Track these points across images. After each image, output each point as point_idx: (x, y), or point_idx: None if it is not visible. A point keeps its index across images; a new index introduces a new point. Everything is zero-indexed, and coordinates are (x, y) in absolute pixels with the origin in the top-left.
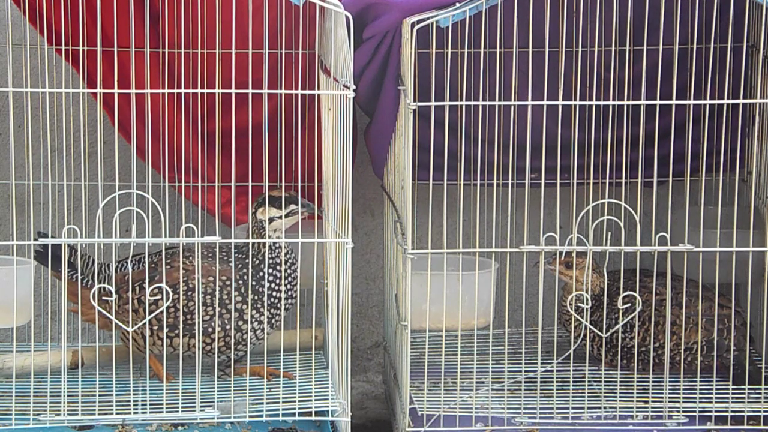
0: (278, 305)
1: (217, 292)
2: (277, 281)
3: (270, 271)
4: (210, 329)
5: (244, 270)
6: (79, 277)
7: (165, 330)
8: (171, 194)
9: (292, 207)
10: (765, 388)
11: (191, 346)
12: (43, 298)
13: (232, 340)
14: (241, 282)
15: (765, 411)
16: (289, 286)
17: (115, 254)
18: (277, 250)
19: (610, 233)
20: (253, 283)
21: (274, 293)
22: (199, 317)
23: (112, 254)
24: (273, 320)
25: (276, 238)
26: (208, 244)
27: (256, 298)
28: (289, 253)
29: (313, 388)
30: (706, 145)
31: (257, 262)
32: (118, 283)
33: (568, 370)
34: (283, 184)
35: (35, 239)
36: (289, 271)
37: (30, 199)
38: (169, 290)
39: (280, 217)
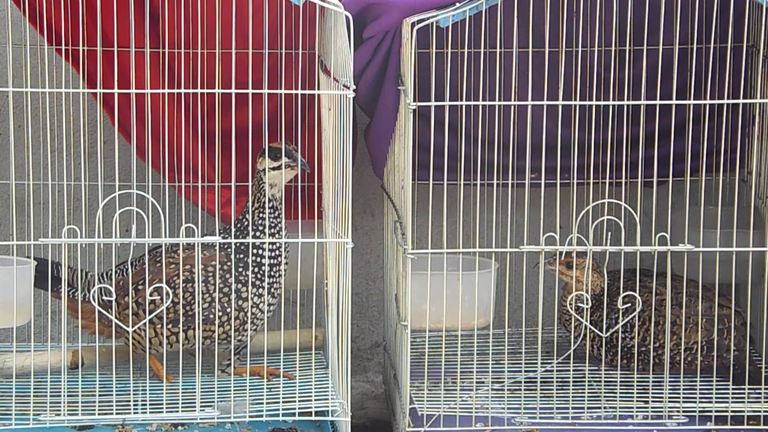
0: (272, 273)
1: (213, 277)
2: (275, 249)
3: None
4: (212, 316)
5: (243, 247)
6: (79, 293)
7: (168, 326)
8: (171, 194)
9: (285, 160)
10: (765, 388)
11: (196, 337)
12: (43, 298)
13: (232, 321)
14: (239, 260)
15: (765, 411)
16: (281, 251)
17: (116, 254)
18: (276, 212)
19: (610, 233)
20: (254, 267)
21: (273, 261)
22: (198, 306)
23: (112, 254)
24: (272, 289)
25: (273, 192)
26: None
27: (254, 276)
28: (279, 212)
29: (313, 388)
30: (706, 145)
31: (258, 218)
32: (115, 289)
33: (568, 370)
34: (283, 136)
35: (34, 256)
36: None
37: (30, 199)
38: (167, 287)
39: (273, 169)
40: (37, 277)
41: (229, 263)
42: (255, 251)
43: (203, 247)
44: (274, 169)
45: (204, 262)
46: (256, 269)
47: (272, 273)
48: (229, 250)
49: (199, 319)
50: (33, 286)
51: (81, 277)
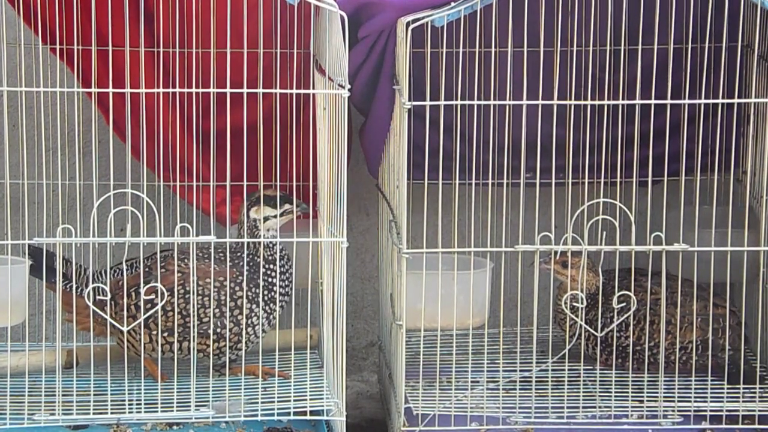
0: (279, 301)
1: (218, 294)
2: (281, 277)
3: (273, 267)
4: (210, 331)
5: (255, 269)
6: (74, 287)
7: (164, 334)
8: (166, 194)
9: (287, 206)
10: (760, 388)
11: (190, 350)
12: (38, 297)
13: (227, 342)
14: (251, 282)
15: (760, 410)
16: (287, 282)
17: (110, 254)
18: (273, 248)
19: (605, 232)
20: (265, 282)
21: (281, 290)
22: (193, 318)
23: (107, 254)
24: (271, 317)
25: (270, 237)
26: (203, 246)
27: (266, 297)
28: (283, 250)
29: (308, 387)
30: (701, 145)
31: (260, 260)
32: (113, 289)
33: (564, 370)
34: (277, 183)
35: (29, 250)
36: (286, 267)
37: (25, 198)
38: (165, 292)
39: (275, 216)
40: (34, 266)
41: (240, 278)
42: (266, 271)
43: (209, 262)
44: (276, 216)
45: (208, 276)
46: (273, 294)
47: (278, 300)
48: (240, 264)
49: (194, 328)
50: (28, 274)
51: (76, 271)
